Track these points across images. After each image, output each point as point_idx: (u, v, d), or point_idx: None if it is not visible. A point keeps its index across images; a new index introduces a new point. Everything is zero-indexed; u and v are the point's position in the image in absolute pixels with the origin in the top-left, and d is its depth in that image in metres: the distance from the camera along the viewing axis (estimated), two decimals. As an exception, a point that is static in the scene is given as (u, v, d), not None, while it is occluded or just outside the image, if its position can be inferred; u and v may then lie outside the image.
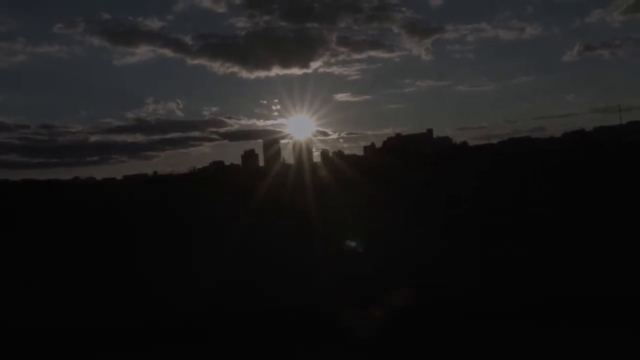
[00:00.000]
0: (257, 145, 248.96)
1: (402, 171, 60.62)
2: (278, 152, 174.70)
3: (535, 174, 37.70)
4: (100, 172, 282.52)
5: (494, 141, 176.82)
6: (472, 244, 13.11)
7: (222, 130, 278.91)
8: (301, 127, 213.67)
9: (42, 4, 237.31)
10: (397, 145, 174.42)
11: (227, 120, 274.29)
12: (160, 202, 44.85)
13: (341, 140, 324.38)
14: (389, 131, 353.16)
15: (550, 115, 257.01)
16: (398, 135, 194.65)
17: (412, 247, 12.99)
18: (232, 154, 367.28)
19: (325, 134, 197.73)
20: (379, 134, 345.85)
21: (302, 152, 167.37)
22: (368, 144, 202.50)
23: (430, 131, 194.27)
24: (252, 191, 44.29)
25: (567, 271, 9.62)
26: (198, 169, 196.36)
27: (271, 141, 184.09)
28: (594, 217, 15.52)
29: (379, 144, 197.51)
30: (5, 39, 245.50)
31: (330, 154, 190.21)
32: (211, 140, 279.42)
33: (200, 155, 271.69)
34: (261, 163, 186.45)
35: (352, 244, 15.04)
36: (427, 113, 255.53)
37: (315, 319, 7.90)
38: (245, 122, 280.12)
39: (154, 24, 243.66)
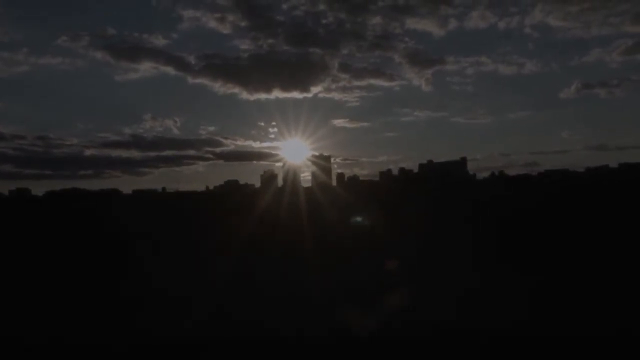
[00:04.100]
0: (260, 166, 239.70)
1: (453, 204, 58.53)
2: (296, 175, 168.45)
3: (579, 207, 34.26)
4: (93, 186, 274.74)
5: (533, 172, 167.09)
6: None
7: (218, 150, 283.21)
8: (296, 151, 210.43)
9: (48, 16, 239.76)
10: (434, 172, 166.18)
11: (224, 141, 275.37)
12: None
13: (335, 166, 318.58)
14: (384, 158, 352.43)
15: (545, 150, 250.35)
16: (430, 162, 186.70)
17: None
18: (229, 174, 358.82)
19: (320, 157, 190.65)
20: (374, 161, 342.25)
21: (321, 175, 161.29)
22: (384, 169, 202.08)
23: (464, 159, 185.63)
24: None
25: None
26: (214, 187, 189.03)
27: (288, 163, 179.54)
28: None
29: (378, 170, 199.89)
30: (9, 49, 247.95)
31: (346, 179, 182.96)
32: (206, 159, 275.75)
33: (194, 174, 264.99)
34: (279, 184, 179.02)
35: (359, 219, 16.01)
36: (424, 143, 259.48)
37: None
38: (241, 143, 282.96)
39: (159, 41, 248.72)
